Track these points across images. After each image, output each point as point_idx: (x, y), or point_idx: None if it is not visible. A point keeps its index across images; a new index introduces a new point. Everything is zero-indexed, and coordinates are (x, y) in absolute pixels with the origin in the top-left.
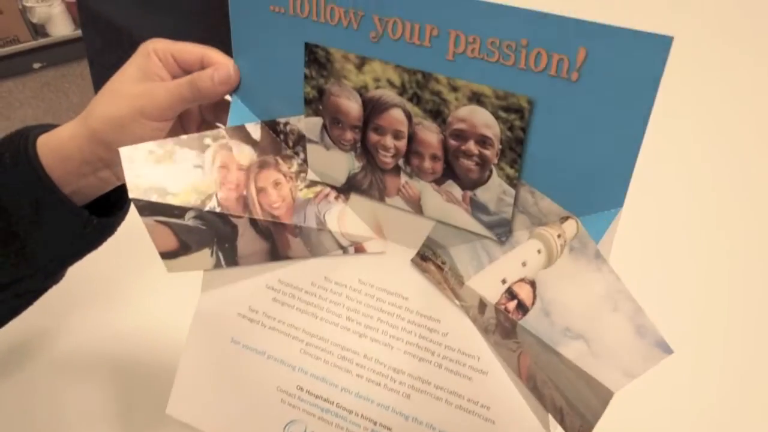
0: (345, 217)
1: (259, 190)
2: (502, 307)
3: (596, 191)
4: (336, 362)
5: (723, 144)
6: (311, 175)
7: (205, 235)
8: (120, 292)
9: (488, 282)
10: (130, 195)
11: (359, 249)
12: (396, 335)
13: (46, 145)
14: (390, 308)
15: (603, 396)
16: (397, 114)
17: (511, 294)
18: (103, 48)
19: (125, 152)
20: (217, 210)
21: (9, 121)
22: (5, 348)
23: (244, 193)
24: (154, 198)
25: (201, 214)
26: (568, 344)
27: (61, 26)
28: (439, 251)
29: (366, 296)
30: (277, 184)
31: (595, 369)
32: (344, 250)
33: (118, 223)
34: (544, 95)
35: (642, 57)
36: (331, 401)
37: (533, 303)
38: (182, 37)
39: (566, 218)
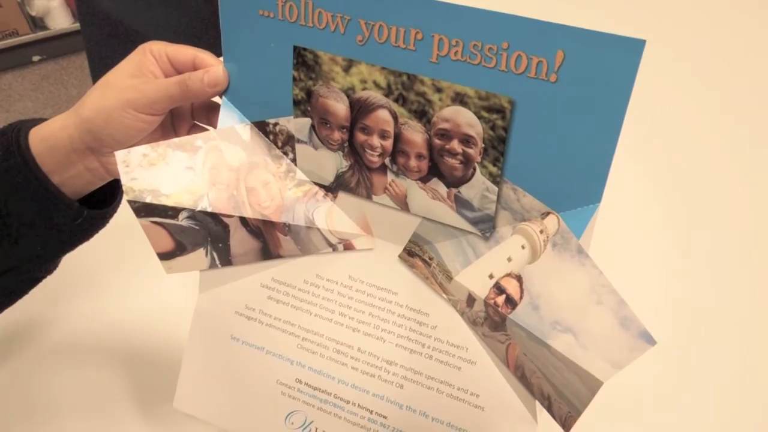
0: (333, 215)
1: (249, 190)
2: (492, 301)
3: (575, 188)
4: (331, 356)
5: (698, 141)
6: (300, 175)
7: (199, 235)
8: (116, 281)
9: (476, 277)
10: (126, 197)
11: (348, 246)
12: (387, 329)
13: (37, 134)
14: (380, 303)
15: (592, 386)
16: (383, 114)
17: (499, 289)
18: (102, 41)
19: (120, 156)
20: (209, 210)
21: (8, 113)
22: (1, 336)
23: (235, 193)
24: (149, 199)
25: (194, 214)
26: (557, 337)
27: (60, 19)
28: (426, 247)
29: (357, 292)
30: (266, 183)
31: (584, 360)
32: (334, 247)
33: (110, 216)
34: (525, 96)
35: (616, 59)
36: (329, 392)
37: (521, 297)
38: (180, 30)
39: (547, 214)
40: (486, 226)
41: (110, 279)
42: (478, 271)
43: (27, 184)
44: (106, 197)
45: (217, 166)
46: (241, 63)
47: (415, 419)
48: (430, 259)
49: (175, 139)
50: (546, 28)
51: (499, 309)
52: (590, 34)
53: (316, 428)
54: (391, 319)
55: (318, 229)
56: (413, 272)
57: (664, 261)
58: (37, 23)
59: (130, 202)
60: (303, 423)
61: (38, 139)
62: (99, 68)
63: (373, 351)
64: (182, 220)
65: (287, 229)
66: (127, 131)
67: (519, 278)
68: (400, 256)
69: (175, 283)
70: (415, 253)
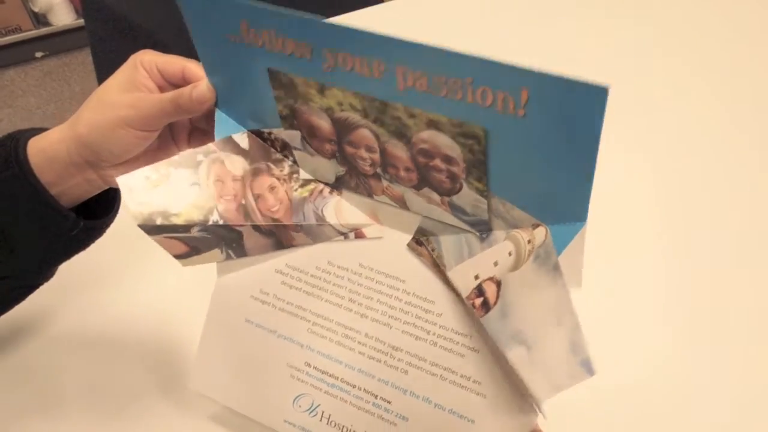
0: (342, 209)
1: (257, 197)
2: (470, 302)
3: (558, 208)
4: (340, 340)
5: (696, 154)
6: (304, 174)
7: (213, 241)
8: (125, 274)
9: (463, 275)
10: (136, 223)
11: (359, 235)
12: (394, 315)
13: (35, 146)
14: (388, 290)
15: (535, 401)
16: (365, 132)
17: (479, 290)
18: (106, 37)
19: (123, 181)
20: (220, 223)
21: (12, 109)
22: (12, 326)
23: (243, 202)
24: (159, 221)
25: (206, 228)
26: (513, 348)
27: (63, 15)
28: (431, 238)
29: (366, 279)
30: (272, 188)
31: (529, 376)
32: (345, 235)
33: (107, 226)
34: (495, 127)
35: (581, 104)
36: (336, 376)
37: (495, 302)
38: (184, 25)
39: (538, 225)
40: (482, 227)
41: (119, 271)
42: (466, 270)
43: (24, 194)
44: (101, 203)
45: (221, 178)
46: (223, 80)
47: (418, 405)
48: (433, 250)
49: (175, 157)
50: (506, 70)
51: (475, 310)
52: (551, 79)
53: (323, 411)
54: (398, 306)
55: (329, 225)
56: (421, 260)
57: (662, 280)
58: (40, 19)
59: (140, 226)
60: (310, 406)
61: (36, 151)
62: (103, 64)
63: (380, 337)
64: (195, 233)
65: (299, 228)
66: (125, 147)
67: (499, 284)
68: (408, 245)
69: (183, 275)
70: (422, 242)
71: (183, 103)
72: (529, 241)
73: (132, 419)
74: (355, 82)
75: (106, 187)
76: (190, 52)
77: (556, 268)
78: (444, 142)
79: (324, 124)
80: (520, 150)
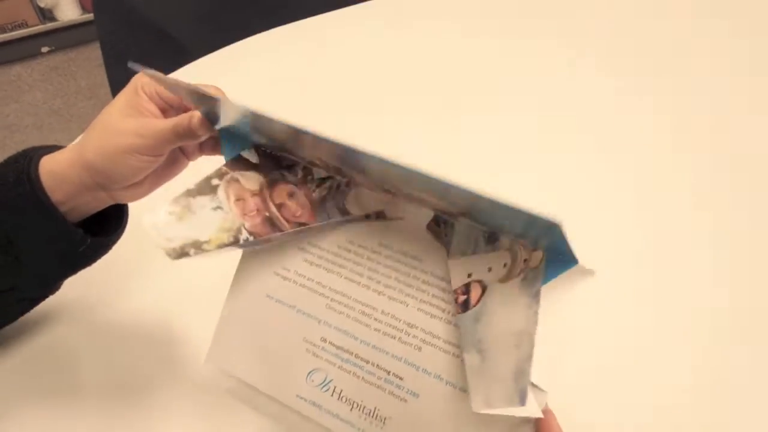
0: (362, 198)
1: (279, 206)
2: (455, 296)
3: (548, 252)
4: (357, 317)
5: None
6: (318, 173)
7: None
8: (132, 268)
9: (459, 269)
10: (170, 259)
11: (380, 215)
12: (410, 294)
13: (46, 167)
14: (406, 269)
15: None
16: (356, 175)
17: (466, 288)
18: (115, 29)
19: (148, 221)
20: (251, 239)
21: (18, 104)
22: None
23: (267, 214)
24: (192, 253)
25: (237, 246)
26: (471, 353)
27: (69, 10)
28: (449, 222)
29: (385, 258)
30: (291, 194)
31: (473, 385)
32: (368, 215)
33: (113, 243)
34: (471, 204)
35: (542, 229)
36: (351, 352)
37: (475, 305)
38: (190, 17)
39: (537, 249)
40: (490, 233)
41: (126, 265)
42: (463, 265)
43: (35, 211)
44: (109, 217)
45: (241, 196)
46: (212, 113)
47: (430, 382)
48: (445, 235)
49: (191, 187)
50: (458, 191)
51: (455, 305)
52: (505, 207)
53: (335, 387)
54: (414, 284)
55: (354, 216)
56: (439, 242)
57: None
58: (45, 15)
59: (176, 260)
60: (323, 381)
61: (47, 171)
62: (112, 57)
63: (396, 314)
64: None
65: (326, 226)
66: (134, 171)
67: (484, 289)
68: (427, 226)
69: (194, 268)
70: (440, 224)
71: (183, 132)
72: (525, 260)
73: (144, 404)
74: (329, 153)
75: (112, 203)
76: (200, 46)
77: (537, 295)
78: (430, 198)
79: (319, 162)
80: (498, 220)
